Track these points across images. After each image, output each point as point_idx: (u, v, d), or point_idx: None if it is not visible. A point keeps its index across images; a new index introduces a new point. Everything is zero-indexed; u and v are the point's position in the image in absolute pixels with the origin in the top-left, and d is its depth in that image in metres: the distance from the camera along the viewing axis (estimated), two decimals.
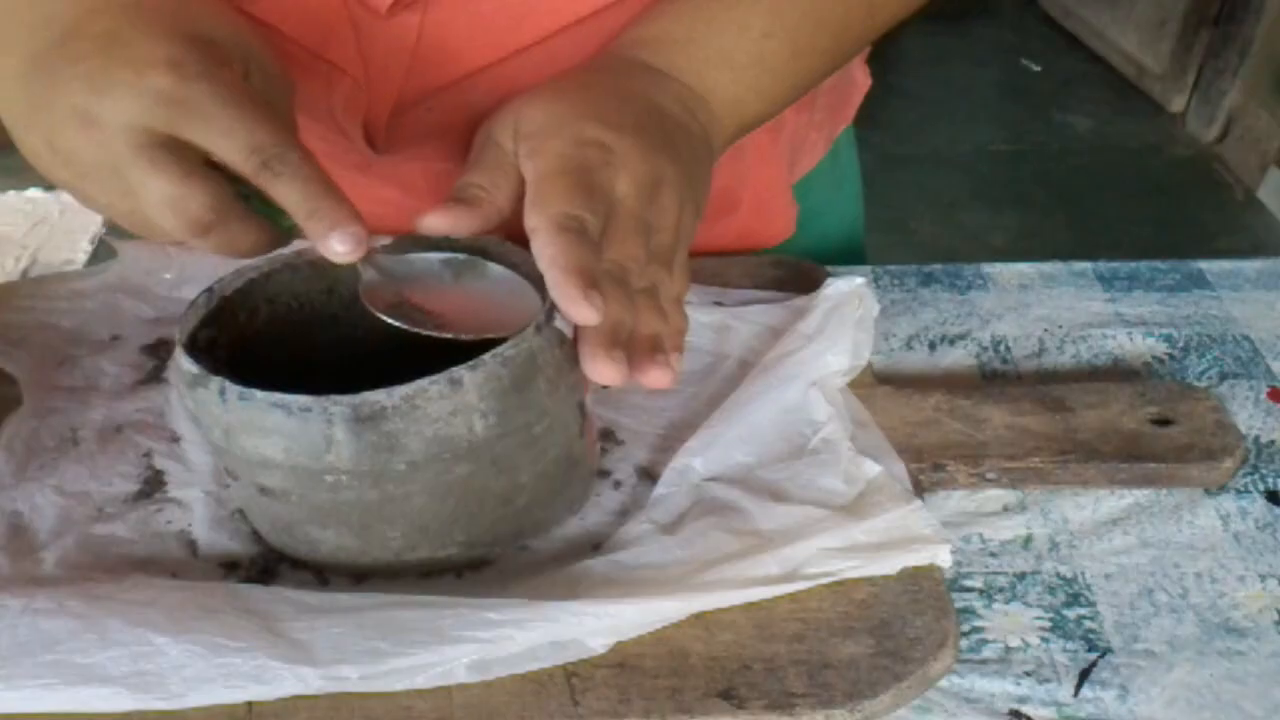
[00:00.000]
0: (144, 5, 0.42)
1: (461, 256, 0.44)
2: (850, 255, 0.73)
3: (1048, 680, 0.42)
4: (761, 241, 0.66)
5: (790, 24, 0.51)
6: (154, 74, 0.39)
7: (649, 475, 0.48)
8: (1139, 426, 0.50)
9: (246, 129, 0.40)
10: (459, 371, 0.38)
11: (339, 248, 0.40)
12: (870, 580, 0.42)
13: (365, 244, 0.40)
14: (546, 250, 0.40)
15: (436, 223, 0.43)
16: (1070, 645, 0.43)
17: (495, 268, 0.44)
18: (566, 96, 0.47)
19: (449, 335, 0.41)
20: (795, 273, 0.61)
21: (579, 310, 0.39)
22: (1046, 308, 0.62)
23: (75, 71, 0.40)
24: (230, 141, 0.40)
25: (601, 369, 0.40)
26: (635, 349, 0.41)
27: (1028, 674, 0.42)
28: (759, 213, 0.65)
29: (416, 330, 0.41)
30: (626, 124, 0.45)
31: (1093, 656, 0.42)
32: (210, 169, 0.40)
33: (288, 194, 0.40)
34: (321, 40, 0.54)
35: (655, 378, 0.41)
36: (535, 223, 0.41)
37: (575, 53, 0.54)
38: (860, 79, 0.73)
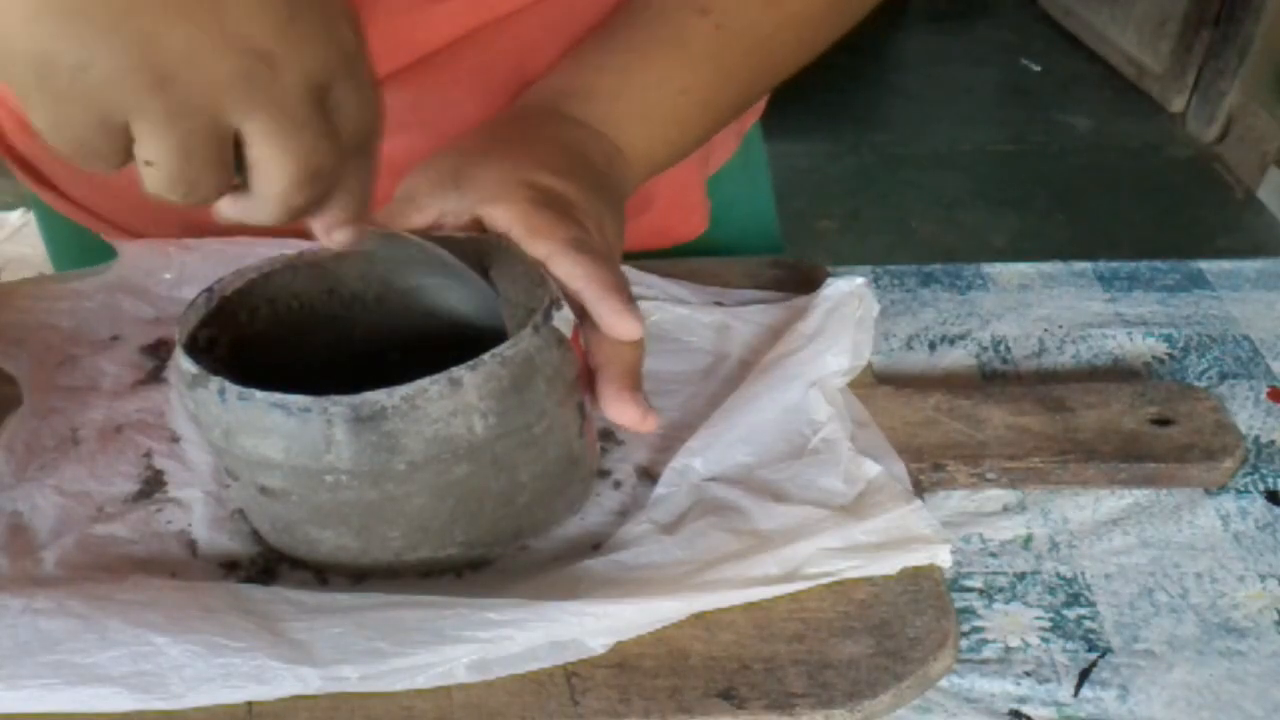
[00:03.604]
0: None
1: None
2: (766, 246, 0.75)
3: (1048, 680, 0.42)
4: (676, 238, 0.68)
5: (703, 80, 0.53)
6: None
7: (649, 475, 0.48)
8: (1139, 426, 0.50)
9: None
10: (459, 371, 0.38)
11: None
12: (870, 580, 0.42)
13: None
14: (577, 269, 0.41)
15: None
16: (1070, 645, 0.43)
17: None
18: (513, 150, 0.47)
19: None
20: (795, 273, 0.61)
21: (626, 325, 0.41)
22: (1046, 308, 0.62)
23: None
24: None
25: (626, 410, 0.42)
26: None
27: (1028, 674, 0.42)
28: (672, 211, 0.67)
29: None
30: (567, 171, 0.47)
31: (1093, 656, 0.42)
32: None
33: None
34: None
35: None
36: (548, 249, 0.42)
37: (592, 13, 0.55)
38: None
